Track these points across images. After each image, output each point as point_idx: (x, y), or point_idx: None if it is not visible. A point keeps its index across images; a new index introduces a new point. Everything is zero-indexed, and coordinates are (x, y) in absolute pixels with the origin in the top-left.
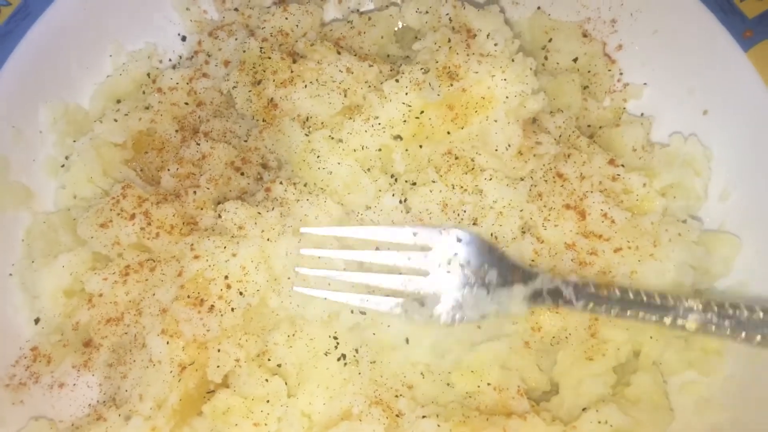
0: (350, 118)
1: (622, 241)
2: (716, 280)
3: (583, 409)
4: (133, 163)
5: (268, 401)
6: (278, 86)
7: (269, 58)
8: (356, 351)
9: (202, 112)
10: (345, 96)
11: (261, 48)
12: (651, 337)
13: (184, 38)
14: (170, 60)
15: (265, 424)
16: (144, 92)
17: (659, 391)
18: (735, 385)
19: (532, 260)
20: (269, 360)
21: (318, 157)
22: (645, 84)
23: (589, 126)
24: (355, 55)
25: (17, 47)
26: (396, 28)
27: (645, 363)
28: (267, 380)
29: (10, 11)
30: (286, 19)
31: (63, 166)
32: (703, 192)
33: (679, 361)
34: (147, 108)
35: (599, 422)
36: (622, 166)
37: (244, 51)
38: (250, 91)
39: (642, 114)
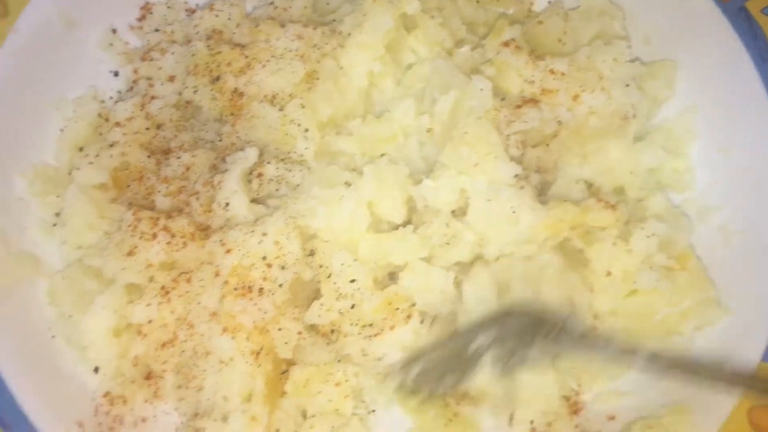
0: (311, 86)
1: (574, 87)
2: (663, 105)
3: None
4: (120, 200)
5: (339, 360)
6: (237, 75)
7: (219, 52)
8: None
9: (165, 132)
10: (303, 62)
11: (208, 46)
12: None
13: (116, 73)
14: (111, 98)
15: (346, 381)
16: (101, 133)
17: None
18: None
19: None
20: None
21: (299, 125)
22: None
23: None
24: None
25: None
26: None
27: None
28: (327, 344)
29: None
30: (216, 16)
31: (55, 225)
32: (625, 34)
33: None
34: (112, 145)
35: None
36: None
37: (193, 55)
38: (211, 90)
39: (549, 1)
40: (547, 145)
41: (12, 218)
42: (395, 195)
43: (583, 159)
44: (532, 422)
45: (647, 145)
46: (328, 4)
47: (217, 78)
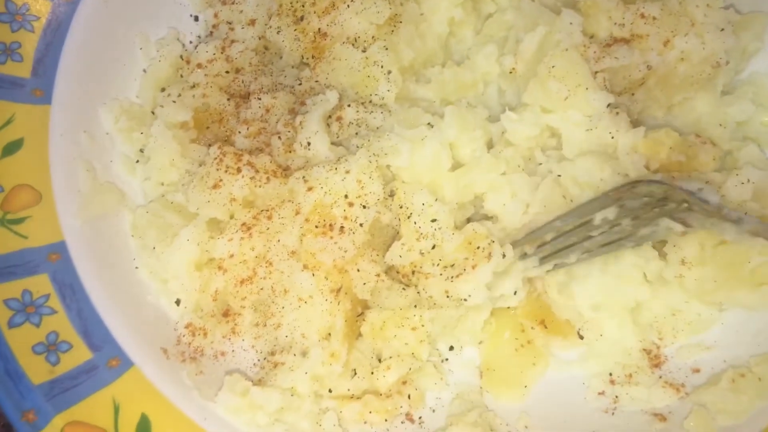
0: (394, 29)
1: (665, 32)
2: (753, 57)
3: None
4: (200, 140)
5: (415, 306)
6: (321, 15)
7: None
8: None
9: (244, 75)
10: (389, 3)
11: None
12: None
13: (196, 18)
14: (191, 42)
15: (422, 326)
16: (182, 75)
17: None
18: None
19: None
20: (397, 272)
21: (381, 67)
22: None
23: None
24: None
25: (61, 58)
26: None
27: None
28: (404, 289)
29: (42, 24)
30: None
31: (138, 161)
32: None
33: None
34: (193, 86)
35: None
36: None
37: None
38: (295, 30)
39: None
40: (633, 94)
41: (99, 151)
42: (476, 135)
43: (668, 110)
44: (611, 374)
45: (736, 99)
46: None
47: (301, 18)
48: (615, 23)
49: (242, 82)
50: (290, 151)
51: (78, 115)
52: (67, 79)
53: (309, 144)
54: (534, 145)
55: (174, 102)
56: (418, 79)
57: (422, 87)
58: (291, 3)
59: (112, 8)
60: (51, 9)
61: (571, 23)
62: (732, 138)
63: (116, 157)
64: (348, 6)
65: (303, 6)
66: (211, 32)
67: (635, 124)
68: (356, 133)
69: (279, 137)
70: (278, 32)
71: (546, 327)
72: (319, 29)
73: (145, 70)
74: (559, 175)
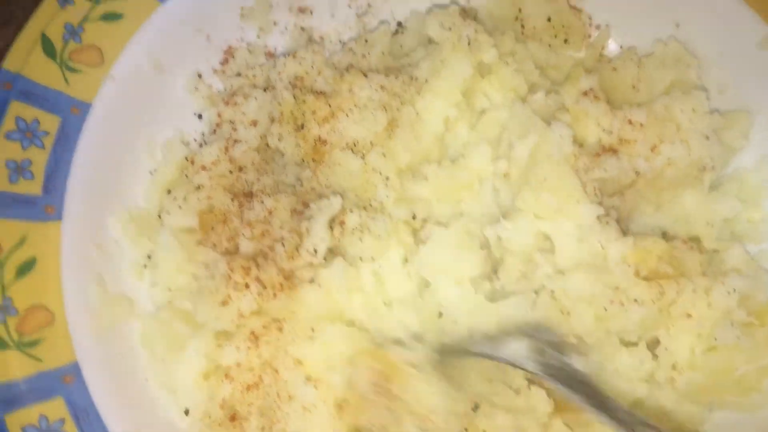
0: (391, 133)
1: (652, 138)
2: (736, 154)
3: None
4: (205, 242)
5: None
6: (321, 123)
7: (304, 101)
8: None
9: (247, 174)
10: (384, 111)
11: (294, 96)
12: None
13: (200, 116)
14: (195, 140)
15: None
16: (187, 175)
17: None
18: None
19: None
20: None
21: (380, 173)
22: (608, 25)
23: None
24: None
25: (71, 172)
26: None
27: None
28: None
29: (52, 141)
30: (300, 64)
31: (146, 266)
32: (701, 83)
33: None
34: (198, 188)
35: None
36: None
37: (280, 104)
38: (295, 137)
39: (621, 46)
40: (622, 194)
41: (108, 260)
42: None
43: (657, 208)
44: None
45: (722, 195)
46: (401, 46)
47: (302, 126)
48: (603, 129)
49: (245, 181)
50: (295, 257)
51: (88, 228)
52: (77, 193)
53: (316, 251)
54: (531, 250)
55: (180, 207)
56: (414, 174)
57: (419, 185)
58: (292, 112)
59: (119, 116)
60: (60, 123)
61: (561, 136)
62: (719, 237)
63: (125, 264)
64: (347, 116)
65: (303, 114)
66: (215, 130)
67: (626, 223)
68: (360, 239)
69: (282, 243)
70: (279, 139)
71: None
72: (319, 136)
73: (151, 173)
74: (553, 291)
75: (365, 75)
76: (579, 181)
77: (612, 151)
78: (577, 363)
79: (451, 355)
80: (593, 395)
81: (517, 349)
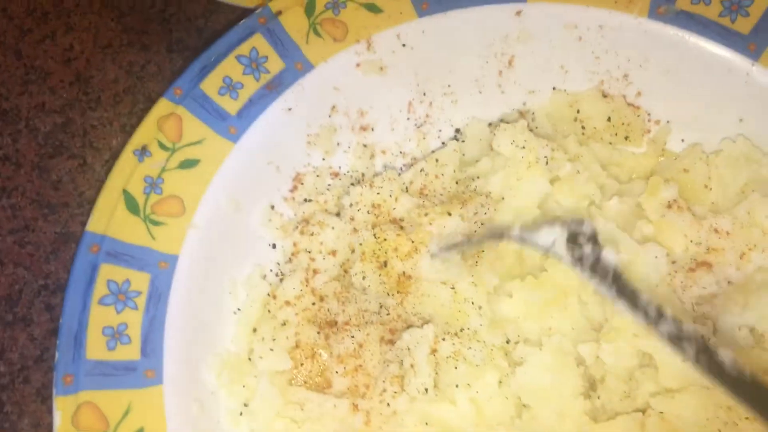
0: (478, 259)
1: (740, 246)
2: None
3: None
4: (296, 380)
5: None
6: (404, 259)
7: (385, 239)
8: None
9: (329, 304)
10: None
11: (374, 234)
12: None
13: (273, 246)
14: (271, 270)
15: None
16: (269, 311)
17: None
18: None
19: None
20: None
21: (472, 303)
22: (668, 122)
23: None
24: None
25: (166, 330)
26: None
27: None
28: None
29: (144, 300)
30: (378, 193)
31: (241, 413)
32: None
33: None
34: (284, 324)
35: None
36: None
37: (361, 244)
38: (379, 275)
39: (683, 140)
40: (712, 302)
41: (206, 414)
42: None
43: (744, 307)
44: None
45: None
46: (463, 155)
47: (385, 263)
48: (691, 240)
49: (328, 310)
50: (398, 394)
51: (187, 385)
52: (174, 351)
53: (426, 390)
54: (633, 369)
55: (271, 350)
56: (499, 293)
57: (506, 304)
58: (374, 251)
59: (204, 263)
60: (150, 280)
61: (656, 257)
62: None
63: (222, 414)
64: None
65: (385, 252)
66: (290, 259)
67: (715, 329)
68: (455, 368)
69: (384, 381)
70: (363, 278)
71: None
72: (403, 272)
73: (235, 313)
74: (662, 412)
75: (449, 213)
76: (680, 301)
77: (707, 265)
78: None
79: None
80: None
81: None
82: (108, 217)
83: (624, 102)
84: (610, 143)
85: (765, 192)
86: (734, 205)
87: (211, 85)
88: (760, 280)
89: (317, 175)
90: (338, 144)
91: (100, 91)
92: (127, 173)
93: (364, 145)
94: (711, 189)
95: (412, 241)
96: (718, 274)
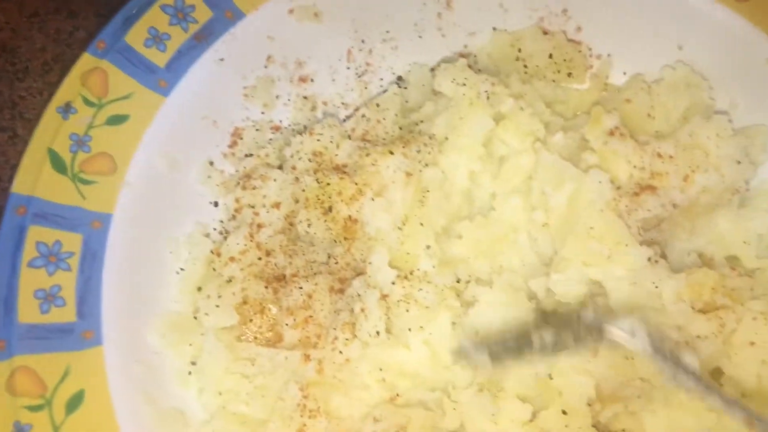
0: (422, 199)
1: (684, 168)
2: (759, 167)
3: None
4: (246, 336)
5: None
6: (350, 203)
7: (329, 184)
8: None
9: (276, 258)
10: (411, 182)
11: (317, 180)
12: None
13: (216, 204)
14: (214, 229)
15: None
16: (214, 269)
17: None
18: None
19: None
20: None
21: (419, 242)
22: (609, 54)
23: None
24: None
25: (103, 290)
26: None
27: None
28: None
29: (77, 260)
30: (318, 140)
31: (190, 373)
32: (712, 102)
33: None
34: (229, 281)
35: None
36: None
37: (303, 190)
38: (325, 221)
39: (624, 72)
40: (659, 226)
41: (152, 375)
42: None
43: (691, 233)
44: None
45: (753, 211)
46: (407, 102)
47: (329, 208)
48: (635, 166)
49: (275, 265)
50: (350, 341)
51: (129, 346)
52: (113, 311)
53: (378, 333)
54: (585, 298)
55: (217, 306)
56: (448, 234)
57: (455, 244)
58: (318, 197)
59: (140, 221)
60: (83, 240)
61: (600, 182)
62: (758, 254)
63: (169, 375)
64: (375, 192)
65: (330, 197)
66: (234, 216)
67: (663, 256)
68: (407, 311)
69: (336, 338)
70: (309, 226)
71: None
72: (349, 216)
73: (178, 272)
74: None
75: (391, 152)
76: (625, 225)
77: (651, 189)
78: None
79: None
80: None
81: None
82: (34, 178)
83: (565, 38)
84: (554, 81)
85: (706, 115)
86: (676, 130)
87: (136, 37)
88: (704, 202)
89: (257, 129)
90: (277, 97)
91: (28, 61)
92: (51, 132)
93: (305, 97)
94: (654, 117)
95: (356, 184)
96: (663, 197)
